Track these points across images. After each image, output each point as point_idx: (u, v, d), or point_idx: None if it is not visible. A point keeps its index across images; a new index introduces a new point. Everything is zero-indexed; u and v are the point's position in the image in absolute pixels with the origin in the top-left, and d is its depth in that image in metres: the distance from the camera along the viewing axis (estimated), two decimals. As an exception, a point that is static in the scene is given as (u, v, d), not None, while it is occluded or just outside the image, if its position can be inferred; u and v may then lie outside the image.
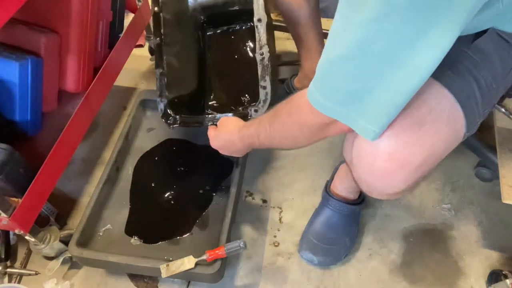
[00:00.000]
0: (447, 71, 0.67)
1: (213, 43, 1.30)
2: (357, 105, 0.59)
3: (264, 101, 1.04)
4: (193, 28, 1.27)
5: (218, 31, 1.30)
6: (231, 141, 0.95)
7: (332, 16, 1.01)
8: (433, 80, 0.66)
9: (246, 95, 1.24)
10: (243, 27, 1.30)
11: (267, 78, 1.03)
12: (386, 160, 0.64)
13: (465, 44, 0.70)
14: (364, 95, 0.58)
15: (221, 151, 1.00)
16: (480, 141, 1.18)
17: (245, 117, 1.06)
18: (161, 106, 1.11)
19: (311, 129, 0.72)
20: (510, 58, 0.71)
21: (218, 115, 1.10)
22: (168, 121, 1.11)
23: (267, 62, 1.03)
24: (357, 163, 0.69)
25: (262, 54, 1.04)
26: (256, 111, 1.05)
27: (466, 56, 0.69)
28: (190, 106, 1.21)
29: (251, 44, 1.29)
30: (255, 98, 1.19)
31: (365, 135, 0.62)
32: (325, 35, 1.25)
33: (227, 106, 1.24)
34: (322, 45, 1.21)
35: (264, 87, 1.04)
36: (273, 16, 1.71)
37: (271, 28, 1.08)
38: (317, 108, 0.64)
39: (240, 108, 1.23)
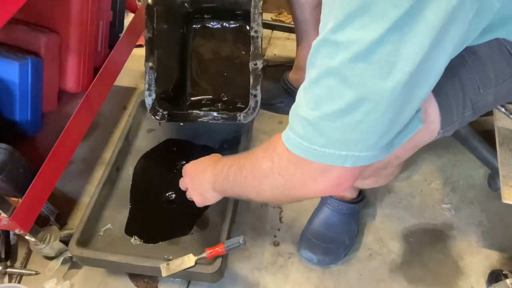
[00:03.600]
0: None
1: (197, 37, 1.30)
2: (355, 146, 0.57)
3: (254, 108, 1.08)
4: (179, 20, 1.27)
5: (203, 25, 1.30)
6: (202, 185, 0.89)
7: None
8: None
9: (227, 90, 1.26)
10: (228, 26, 1.29)
11: (258, 87, 1.07)
12: None
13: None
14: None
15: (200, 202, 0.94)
16: (490, 152, 1.18)
17: (233, 119, 1.09)
18: (149, 100, 1.11)
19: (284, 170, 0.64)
20: (509, 69, 0.71)
21: (202, 113, 1.13)
22: (156, 116, 1.11)
23: (259, 73, 1.07)
24: None
25: (255, 64, 1.07)
26: (245, 117, 1.08)
27: (457, 55, 0.69)
28: (176, 101, 1.21)
29: (235, 42, 1.29)
30: (235, 94, 1.24)
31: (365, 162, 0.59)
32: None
33: (208, 102, 1.26)
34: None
35: (255, 96, 1.07)
36: (273, 16, 1.73)
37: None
38: (310, 157, 0.58)
39: (219, 105, 1.24)
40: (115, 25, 1.29)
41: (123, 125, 1.25)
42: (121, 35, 1.30)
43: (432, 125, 0.69)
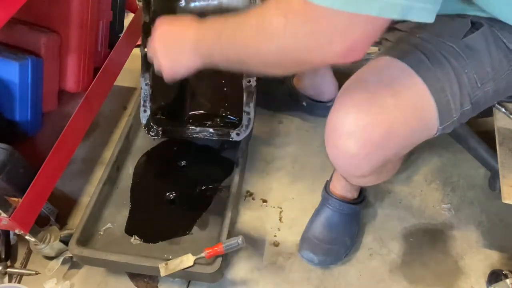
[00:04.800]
0: (425, 61, 0.68)
1: None
2: None
3: (247, 126, 1.07)
4: None
5: None
6: (180, 49, 0.77)
7: None
8: (406, 66, 0.68)
9: (226, 105, 1.25)
10: None
11: (251, 105, 1.06)
12: (347, 139, 0.68)
13: (454, 40, 0.71)
14: None
15: (164, 66, 0.81)
16: (490, 153, 1.18)
17: (226, 135, 1.08)
18: (145, 117, 1.11)
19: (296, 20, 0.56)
20: (506, 62, 0.71)
21: (198, 128, 1.11)
22: (151, 133, 1.11)
23: (253, 90, 1.05)
24: (326, 145, 0.72)
25: (249, 81, 1.06)
26: (238, 134, 1.07)
27: (451, 50, 0.70)
28: (172, 116, 1.21)
29: None
30: (233, 109, 1.22)
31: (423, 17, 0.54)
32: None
33: (206, 116, 1.24)
34: None
35: (248, 113, 1.06)
36: (273, 16, 1.73)
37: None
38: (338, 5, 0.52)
39: (218, 120, 1.23)
40: (115, 25, 1.29)
41: (123, 125, 1.25)
42: (121, 35, 1.30)
43: (430, 121, 0.69)
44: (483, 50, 0.70)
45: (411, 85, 0.67)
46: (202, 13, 1.24)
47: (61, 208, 1.17)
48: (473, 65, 0.69)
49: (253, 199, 1.20)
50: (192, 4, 1.23)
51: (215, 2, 1.22)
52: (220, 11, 1.23)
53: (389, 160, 0.74)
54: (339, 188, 1.06)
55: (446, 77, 0.68)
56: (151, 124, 1.11)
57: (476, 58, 0.70)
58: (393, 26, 0.86)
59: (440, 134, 0.72)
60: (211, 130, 1.10)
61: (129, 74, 1.46)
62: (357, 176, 0.79)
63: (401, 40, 0.74)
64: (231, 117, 1.23)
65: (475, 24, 0.72)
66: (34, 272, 1.07)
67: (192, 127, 1.12)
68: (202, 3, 1.23)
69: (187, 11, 1.24)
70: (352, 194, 1.06)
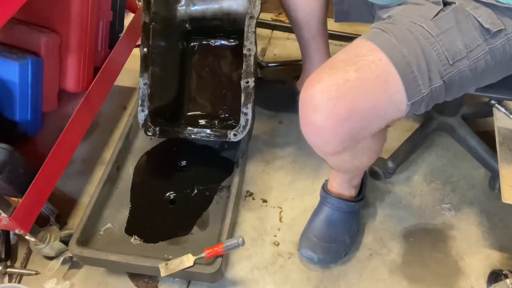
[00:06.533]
0: (391, 39, 0.70)
1: (196, 54, 1.30)
2: None
3: (244, 126, 1.07)
4: (178, 38, 1.27)
5: (203, 43, 1.30)
6: None
7: (352, 19, 0.99)
8: (372, 44, 0.71)
9: (224, 107, 1.25)
10: (228, 44, 1.30)
11: (249, 105, 1.06)
12: (313, 112, 0.70)
13: (423, 20, 0.72)
14: None
15: None
16: (490, 153, 1.18)
17: (224, 136, 1.08)
18: (142, 116, 1.11)
19: None
20: (482, 41, 0.72)
21: (195, 129, 1.11)
22: (148, 132, 1.11)
23: (251, 91, 1.05)
24: (300, 123, 0.74)
25: (247, 82, 1.06)
26: (235, 135, 1.07)
27: (420, 30, 0.71)
28: (170, 116, 1.21)
29: (233, 61, 1.28)
30: (232, 112, 1.23)
31: None
32: (330, 36, 1.24)
33: (204, 118, 1.26)
34: (327, 50, 1.21)
35: (246, 114, 1.06)
36: (273, 16, 1.73)
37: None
38: None
39: (216, 121, 1.24)
40: (115, 25, 1.29)
41: (123, 125, 1.25)
42: (121, 35, 1.30)
43: (396, 95, 0.70)
44: (453, 27, 0.71)
45: (375, 59, 0.69)
46: (203, 16, 1.25)
47: (61, 208, 1.17)
48: (443, 43, 0.70)
49: (253, 199, 1.20)
50: (193, 8, 1.24)
51: (216, 6, 1.23)
52: (221, 14, 1.23)
53: (359, 134, 0.74)
54: (336, 186, 1.06)
55: (412, 53, 0.69)
56: (149, 123, 1.11)
57: (445, 36, 0.71)
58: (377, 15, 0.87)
59: (411, 111, 0.73)
60: (208, 131, 1.10)
61: (129, 74, 1.47)
62: (331, 153, 0.80)
63: (376, 25, 0.76)
64: (230, 119, 1.24)
65: (447, 4, 0.74)
66: (34, 272, 1.07)
67: (190, 128, 1.12)
68: (202, 6, 1.23)
69: (187, 13, 1.25)
70: (349, 192, 1.06)
